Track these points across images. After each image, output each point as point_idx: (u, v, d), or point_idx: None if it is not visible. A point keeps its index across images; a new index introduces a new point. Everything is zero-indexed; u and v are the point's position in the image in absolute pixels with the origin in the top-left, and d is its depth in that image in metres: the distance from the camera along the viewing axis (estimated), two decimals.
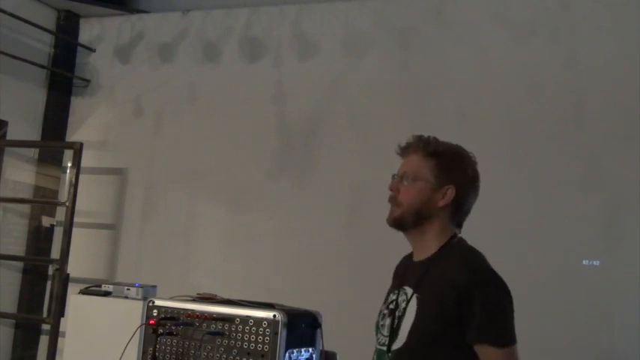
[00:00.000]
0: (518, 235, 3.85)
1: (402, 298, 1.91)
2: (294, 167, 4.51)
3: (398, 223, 1.94)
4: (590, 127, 3.83)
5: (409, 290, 1.90)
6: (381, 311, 2.01)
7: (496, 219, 3.86)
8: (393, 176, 1.99)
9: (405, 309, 1.87)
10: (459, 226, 1.98)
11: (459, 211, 1.94)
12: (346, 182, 4.29)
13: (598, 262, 3.69)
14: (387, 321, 1.92)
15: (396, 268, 2.12)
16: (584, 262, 3.71)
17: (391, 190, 1.97)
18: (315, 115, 4.49)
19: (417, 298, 1.85)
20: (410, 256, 2.03)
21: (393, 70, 4.34)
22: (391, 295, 1.99)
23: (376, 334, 1.98)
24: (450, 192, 1.90)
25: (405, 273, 1.98)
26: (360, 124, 4.35)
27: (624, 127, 3.76)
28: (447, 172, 1.91)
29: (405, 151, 1.98)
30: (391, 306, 1.94)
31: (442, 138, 2.04)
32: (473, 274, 1.80)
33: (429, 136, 1.98)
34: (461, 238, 1.95)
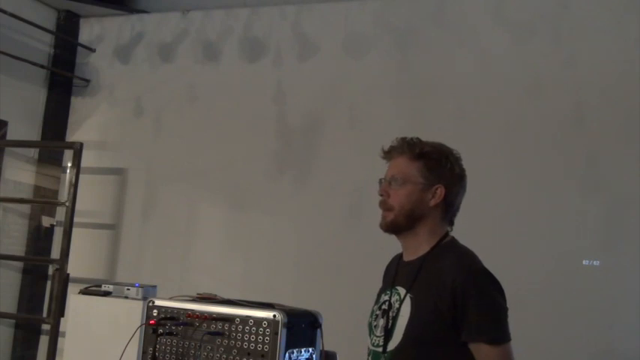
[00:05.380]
0: (518, 235, 3.85)
1: (395, 298, 1.91)
2: (294, 167, 4.51)
3: (392, 227, 1.94)
4: (590, 127, 3.83)
5: (402, 290, 1.90)
6: (373, 311, 2.01)
7: (496, 219, 3.87)
8: (381, 180, 1.99)
9: (398, 309, 1.87)
10: (451, 223, 1.99)
11: (449, 209, 1.95)
12: (346, 182, 4.28)
13: (598, 262, 3.69)
14: (381, 321, 1.92)
15: (387, 268, 2.12)
16: (584, 262, 3.71)
17: (381, 194, 1.97)
18: (315, 115, 4.49)
19: (411, 298, 1.85)
20: (400, 256, 2.04)
21: (393, 70, 4.33)
22: (383, 295, 1.99)
23: (369, 335, 1.98)
24: (440, 191, 1.91)
25: (397, 273, 1.98)
26: (359, 124, 4.35)
27: (624, 127, 3.75)
28: (436, 172, 1.92)
29: (389, 154, 1.98)
30: (384, 306, 1.94)
31: (442, 138, 2.04)
32: (467, 274, 1.81)
33: (412, 138, 1.98)
34: (452, 238, 1.96)
